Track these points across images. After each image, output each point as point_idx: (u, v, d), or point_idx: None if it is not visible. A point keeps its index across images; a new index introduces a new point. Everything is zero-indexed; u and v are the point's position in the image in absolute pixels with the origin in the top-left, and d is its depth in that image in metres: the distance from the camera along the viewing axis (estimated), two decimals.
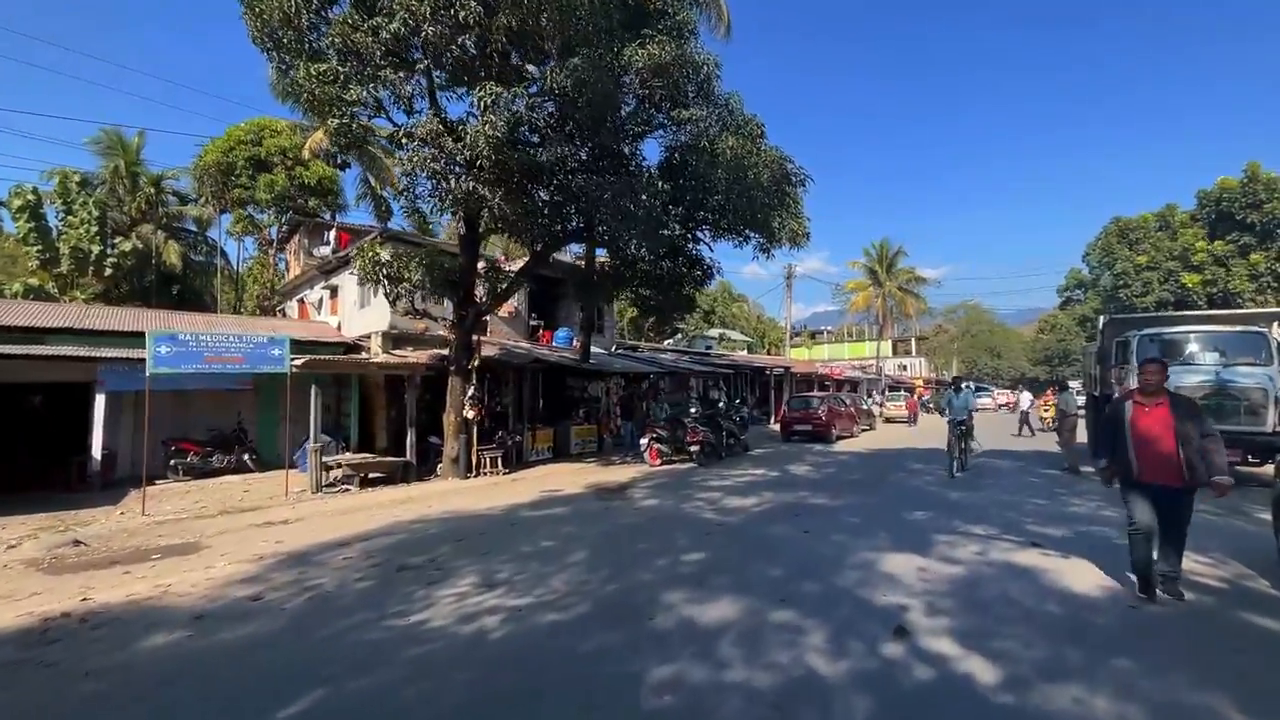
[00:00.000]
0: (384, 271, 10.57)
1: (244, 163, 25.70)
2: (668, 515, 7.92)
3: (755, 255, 13.38)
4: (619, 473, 12.30)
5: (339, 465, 11.38)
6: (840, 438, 19.23)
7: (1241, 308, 23.89)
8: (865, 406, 24.47)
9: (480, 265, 12.61)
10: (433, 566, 5.65)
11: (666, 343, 38.55)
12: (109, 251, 24.04)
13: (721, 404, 20.78)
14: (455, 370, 12.13)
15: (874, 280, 45.22)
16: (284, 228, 27.05)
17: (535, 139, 10.74)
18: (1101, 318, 12.70)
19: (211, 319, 17.75)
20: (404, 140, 8.88)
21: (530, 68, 10.08)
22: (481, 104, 8.59)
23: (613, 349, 23.46)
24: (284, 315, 25.09)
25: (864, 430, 21.96)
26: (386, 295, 11.18)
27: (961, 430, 11.25)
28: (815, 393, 23.50)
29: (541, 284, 21.24)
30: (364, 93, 8.88)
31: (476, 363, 12.48)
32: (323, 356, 11.69)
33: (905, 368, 56.20)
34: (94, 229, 23.64)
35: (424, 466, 12.67)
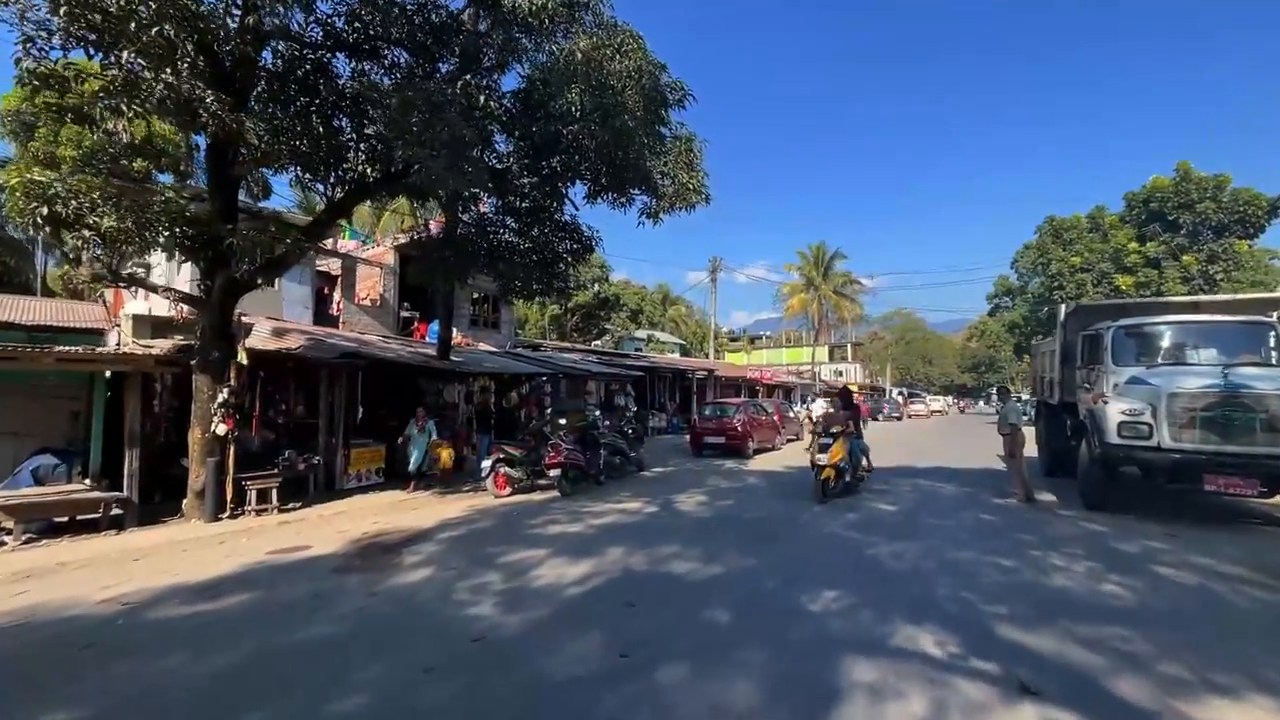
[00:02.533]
0: (45, 211, 6.78)
1: (50, 113, 20.76)
2: (401, 616, 4.55)
3: (641, 221, 10.33)
4: (439, 510, 8.87)
5: None
6: (760, 450, 16.45)
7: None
8: (791, 414, 21.87)
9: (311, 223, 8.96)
10: None
11: (595, 344, 35.22)
12: None
13: (629, 411, 18.05)
14: (201, 366, 8.46)
15: (809, 284, 43.67)
16: None
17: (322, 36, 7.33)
18: (1063, 307, 10.26)
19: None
20: None
21: None
22: None
23: (508, 346, 20.04)
24: (101, 300, 20.75)
25: (789, 441, 19.29)
26: (63, 249, 7.41)
27: None
28: (733, 399, 20.70)
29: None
30: None
31: (241, 356, 8.85)
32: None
33: (841, 373, 55.29)
34: None
35: (169, 503, 9.00)
